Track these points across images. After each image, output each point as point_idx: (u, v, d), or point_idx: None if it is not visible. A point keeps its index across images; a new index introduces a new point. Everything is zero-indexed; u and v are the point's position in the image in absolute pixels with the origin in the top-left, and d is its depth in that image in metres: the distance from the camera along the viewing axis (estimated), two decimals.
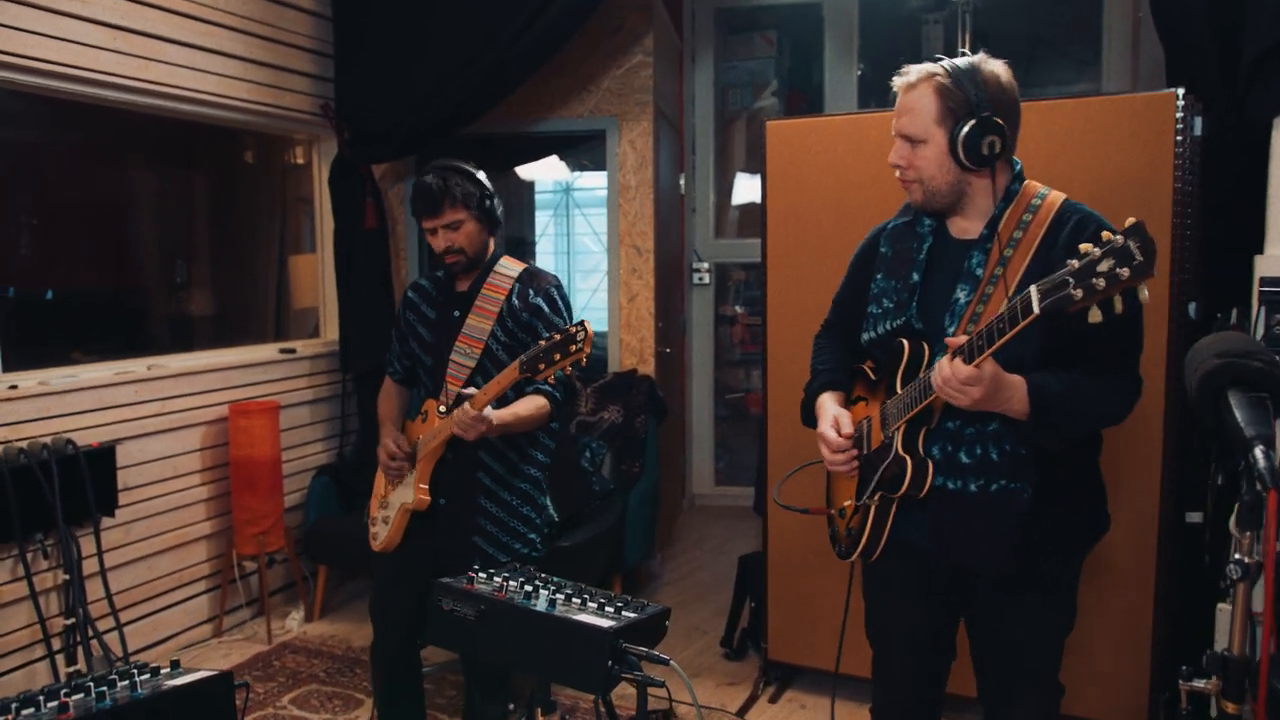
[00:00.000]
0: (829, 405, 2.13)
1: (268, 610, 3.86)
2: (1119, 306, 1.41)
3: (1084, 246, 1.44)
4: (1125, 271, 1.38)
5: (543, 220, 7.04)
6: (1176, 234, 2.68)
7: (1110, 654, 2.85)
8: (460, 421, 2.32)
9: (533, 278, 2.58)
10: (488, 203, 2.51)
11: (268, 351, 4.19)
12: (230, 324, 5.48)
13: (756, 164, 6.08)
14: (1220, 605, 2.71)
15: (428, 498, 2.53)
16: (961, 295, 1.88)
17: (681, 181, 5.58)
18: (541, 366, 2.19)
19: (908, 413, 1.85)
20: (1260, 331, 2.61)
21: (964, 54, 1.89)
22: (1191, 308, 2.85)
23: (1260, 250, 2.70)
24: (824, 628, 3.24)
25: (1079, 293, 1.43)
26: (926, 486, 1.86)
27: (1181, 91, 2.61)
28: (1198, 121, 2.68)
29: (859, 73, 5.61)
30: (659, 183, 4.59)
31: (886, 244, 2.07)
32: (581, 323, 2.17)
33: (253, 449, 3.78)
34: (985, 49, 1.96)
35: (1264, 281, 2.59)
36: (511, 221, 6.74)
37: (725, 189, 6.08)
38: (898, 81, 1.90)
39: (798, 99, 6.38)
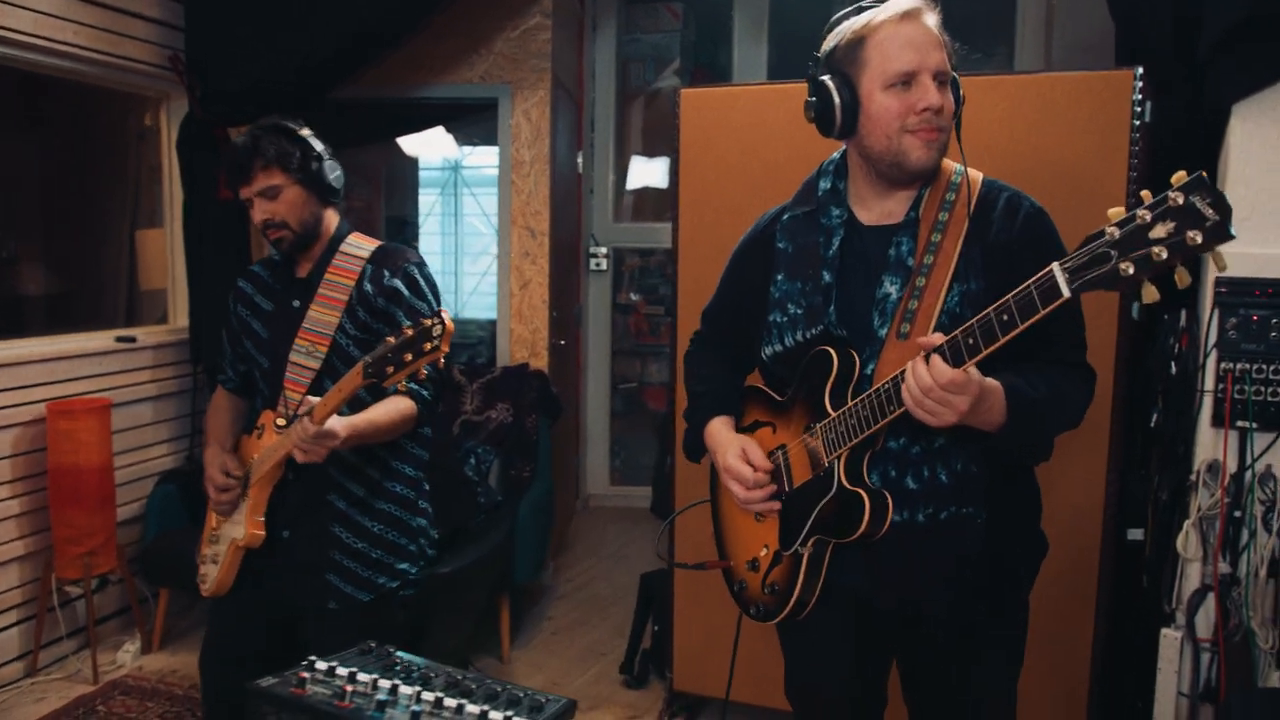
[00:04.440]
0: (725, 433, 1.78)
1: (94, 643, 3.30)
2: (1182, 280, 1.14)
3: (1113, 211, 1.15)
4: (1196, 235, 1.10)
5: (429, 200, 6.55)
6: None
7: (1046, 680, 2.62)
8: (299, 441, 1.88)
9: (388, 256, 2.14)
10: (313, 165, 2.05)
11: (101, 340, 3.60)
12: (73, 307, 4.82)
13: (654, 146, 5.78)
14: (1165, 631, 2.51)
15: (262, 532, 2.08)
16: (892, 289, 1.56)
17: (580, 160, 5.18)
18: (390, 370, 1.75)
19: (859, 435, 1.51)
20: (1214, 336, 2.41)
21: None
22: (1135, 308, 2.65)
23: None
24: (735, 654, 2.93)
25: (1128, 266, 1.14)
26: (886, 525, 1.53)
27: (1140, 70, 2.38)
28: (1148, 106, 2.47)
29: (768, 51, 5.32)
30: (556, 159, 4.18)
31: (784, 238, 1.71)
32: (438, 313, 1.74)
33: (77, 455, 3.22)
34: None
35: (1219, 283, 2.39)
36: (394, 200, 6.25)
37: (621, 171, 5.71)
38: (894, 8, 1.52)
39: (703, 77, 6.07)
